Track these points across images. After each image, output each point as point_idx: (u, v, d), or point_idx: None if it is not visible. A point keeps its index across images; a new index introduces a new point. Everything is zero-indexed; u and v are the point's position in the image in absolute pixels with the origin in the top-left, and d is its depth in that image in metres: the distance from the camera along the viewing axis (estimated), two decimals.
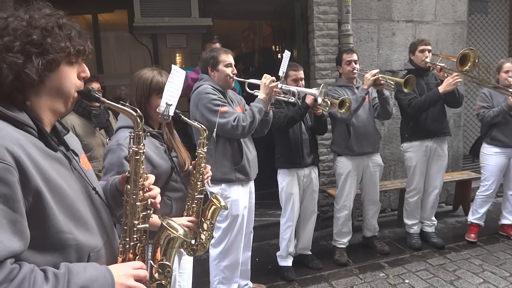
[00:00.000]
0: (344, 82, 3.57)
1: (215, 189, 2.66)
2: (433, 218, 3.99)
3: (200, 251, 2.01)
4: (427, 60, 3.55)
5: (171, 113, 1.77)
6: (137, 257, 1.18)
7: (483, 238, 3.97)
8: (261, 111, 2.60)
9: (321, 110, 3.21)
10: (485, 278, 3.23)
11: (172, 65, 1.85)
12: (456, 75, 3.33)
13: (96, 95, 1.13)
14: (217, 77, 2.65)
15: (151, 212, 1.24)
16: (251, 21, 6.93)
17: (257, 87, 2.81)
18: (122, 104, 1.16)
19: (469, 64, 3.25)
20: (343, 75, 3.58)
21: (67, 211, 1.00)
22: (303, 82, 3.26)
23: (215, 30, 4.47)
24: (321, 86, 3.03)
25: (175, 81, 1.77)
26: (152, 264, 1.24)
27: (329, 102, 3.19)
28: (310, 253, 3.64)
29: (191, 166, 1.99)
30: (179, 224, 1.38)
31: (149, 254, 1.27)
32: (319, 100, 2.98)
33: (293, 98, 2.91)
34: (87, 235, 1.04)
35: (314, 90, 2.99)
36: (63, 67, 1.04)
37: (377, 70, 3.28)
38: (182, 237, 1.25)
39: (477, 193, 4.00)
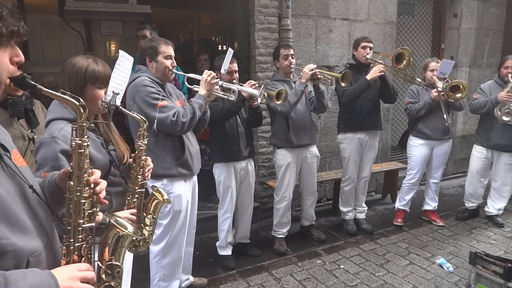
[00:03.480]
0: (281, 76, 3.63)
1: (156, 184, 2.58)
2: (364, 204, 4.27)
3: (143, 247, 1.96)
4: (368, 56, 3.75)
5: (118, 103, 1.68)
6: (82, 259, 1.11)
7: (408, 223, 4.31)
8: (201, 107, 2.56)
9: (257, 103, 3.25)
10: (411, 260, 3.51)
11: (120, 51, 1.76)
12: (381, 65, 3.59)
13: (32, 82, 1.02)
14: (156, 68, 2.53)
15: (98, 209, 1.17)
16: (190, 11, 6.78)
17: (196, 82, 2.78)
18: (63, 93, 1.07)
19: (404, 62, 3.55)
20: (280, 69, 3.63)
21: (1, 214, 0.90)
22: (237, 74, 3.27)
23: (154, 18, 4.32)
24: (262, 87, 3.07)
25: (122, 68, 1.69)
26: (100, 265, 1.17)
27: (265, 95, 3.25)
28: (248, 241, 3.72)
29: (130, 159, 1.92)
30: (124, 217, 1.32)
31: (96, 254, 1.20)
32: (259, 100, 3.03)
33: (233, 96, 2.89)
34: (24, 239, 0.95)
35: (255, 91, 3.00)
36: None
37: (315, 65, 3.39)
38: (132, 234, 1.19)
39: (403, 181, 4.33)
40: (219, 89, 2.84)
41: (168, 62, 2.53)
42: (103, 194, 1.20)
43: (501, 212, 4.34)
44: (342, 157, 4.08)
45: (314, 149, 3.80)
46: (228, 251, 3.52)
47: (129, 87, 2.52)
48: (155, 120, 2.38)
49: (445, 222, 4.33)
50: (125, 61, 1.73)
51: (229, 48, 2.97)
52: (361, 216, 4.24)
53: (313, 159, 3.78)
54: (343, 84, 3.42)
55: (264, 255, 3.65)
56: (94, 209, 1.15)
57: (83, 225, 1.11)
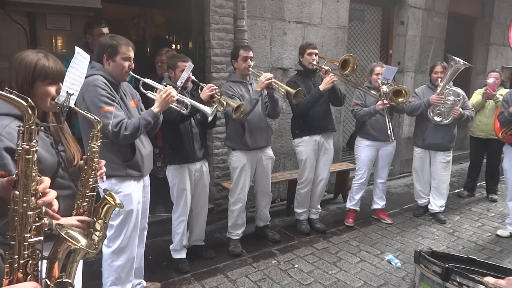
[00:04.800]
0: (238, 78, 3.61)
1: (103, 184, 2.48)
2: (318, 206, 4.36)
3: (91, 254, 1.86)
4: (314, 62, 3.83)
5: (72, 104, 1.58)
6: (28, 277, 1.00)
7: (359, 222, 4.47)
8: (148, 125, 2.50)
9: (215, 106, 3.23)
10: (361, 257, 3.64)
11: (76, 48, 1.65)
12: (333, 75, 3.68)
13: None
14: (112, 68, 2.45)
15: (46, 222, 1.06)
16: (143, 8, 6.60)
17: (150, 88, 2.73)
18: (9, 92, 0.98)
19: (349, 68, 3.67)
20: (238, 70, 3.61)
21: None
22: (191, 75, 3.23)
23: (104, 14, 4.14)
24: (215, 107, 3.03)
25: (78, 66, 1.58)
26: (48, 282, 1.06)
27: (224, 103, 3.21)
28: (203, 243, 3.68)
29: (81, 161, 1.83)
30: (71, 225, 1.24)
31: (44, 270, 1.09)
32: (210, 118, 2.99)
33: (185, 110, 2.83)
34: None
35: (207, 109, 2.95)
36: None
37: (272, 75, 3.39)
38: (85, 248, 1.10)
39: (353, 181, 4.48)
40: (174, 101, 2.78)
41: (126, 64, 2.46)
42: (56, 206, 1.09)
43: (443, 209, 4.61)
44: (299, 160, 4.12)
45: (269, 151, 3.82)
46: (182, 254, 3.45)
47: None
48: (105, 121, 2.29)
49: (393, 219, 4.54)
50: (81, 59, 1.62)
51: (189, 62, 2.96)
52: (315, 216, 4.33)
53: (268, 161, 3.80)
54: (294, 101, 3.49)
55: (219, 257, 3.62)
56: (43, 221, 1.04)
57: (29, 240, 1.00)
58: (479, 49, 7.60)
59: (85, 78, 2.36)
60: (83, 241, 1.11)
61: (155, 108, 2.55)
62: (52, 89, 1.62)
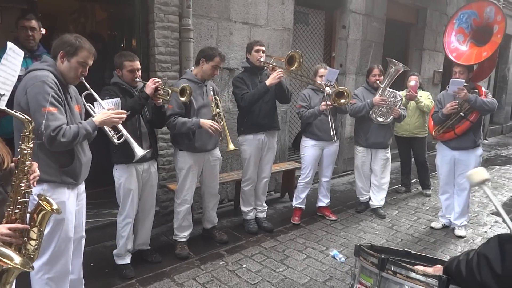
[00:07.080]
0: (196, 78, 3.52)
1: (35, 189, 2.31)
2: (264, 204, 4.41)
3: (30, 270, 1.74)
4: (261, 59, 3.86)
5: (3, 105, 1.46)
6: None
7: (305, 220, 4.57)
8: (88, 135, 2.38)
9: (161, 100, 3.16)
10: (307, 254, 3.73)
11: (8, 43, 1.52)
12: (280, 71, 3.74)
13: None
14: (64, 67, 2.31)
15: None
16: (83, 3, 6.29)
17: (92, 98, 2.64)
18: None
19: (295, 64, 3.74)
20: (203, 71, 3.51)
21: None
22: (140, 72, 3.16)
23: (40, 8, 3.88)
24: (147, 151, 3.00)
25: (10, 64, 1.46)
26: None
27: (169, 91, 3.16)
28: (149, 247, 3.58)
29: (12, 164, 1.70)
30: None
31: None
32: (135, 159, 2.91)
33: (116, 139, 2.76)
34: None
35: (139, 150, 2.86)
36: None
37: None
38: (20, 267, 0.99)
39: (298, 180, 4.58)
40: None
41: (79, 69, 2.33)
42: None
43: (383, 202, 4.86)
44: (243, 158, 4.16)
45: (217, 152, 3.80)
46: (126, 260, 3.33)
47: (27, 75, 2.23)
48: (43, 122, 2.14)
49: (337, 216, 4.69)
50: (14, 56, 1.50)
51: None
52: (262, 215, 4.37)
53: (216, 161, 3.77)
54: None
55: (166, 260, 3.53)
56: None
57: None
58: (413, 53, 8.10)
59: (33, 71, 2.23)
60: (17, 259, 1.00)
61: (96, 120, 2.44)
62: None
